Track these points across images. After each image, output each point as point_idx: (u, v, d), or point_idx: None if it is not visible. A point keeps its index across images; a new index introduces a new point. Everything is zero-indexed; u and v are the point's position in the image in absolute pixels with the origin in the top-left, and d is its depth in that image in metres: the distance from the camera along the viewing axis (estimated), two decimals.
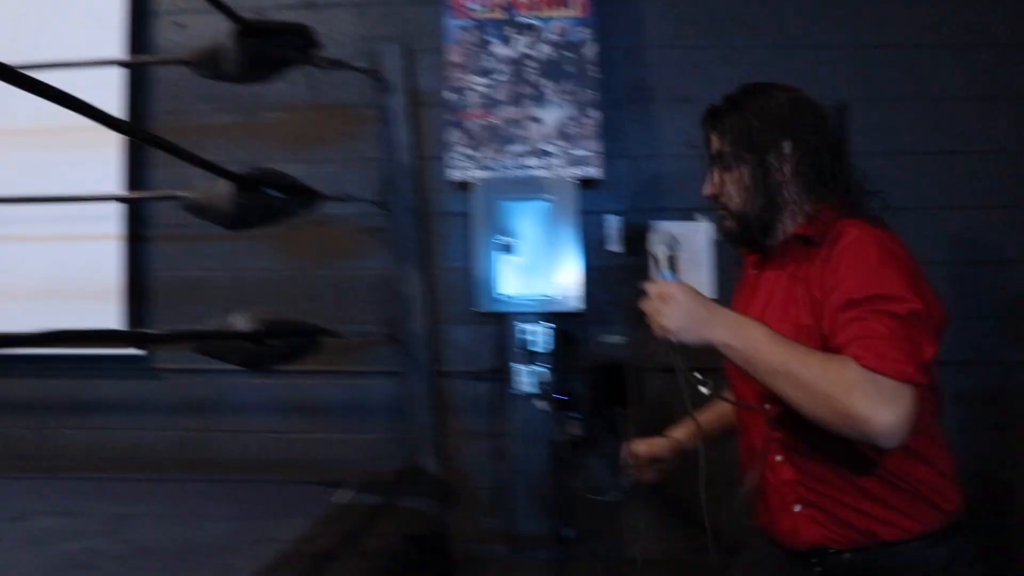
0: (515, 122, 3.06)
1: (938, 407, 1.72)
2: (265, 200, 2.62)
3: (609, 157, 3.10)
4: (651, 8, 3.28)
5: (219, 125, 3.38)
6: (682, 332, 1.58)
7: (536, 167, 3.04)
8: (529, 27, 3.10)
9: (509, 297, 2.95)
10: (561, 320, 2.99)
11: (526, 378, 2.96)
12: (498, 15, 3.10)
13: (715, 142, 1.84)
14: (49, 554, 2.34)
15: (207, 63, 2.69)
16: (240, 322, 2.56)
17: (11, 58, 1.46)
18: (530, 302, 2.94)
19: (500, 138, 3.05)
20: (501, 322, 3.07)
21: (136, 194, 3.36)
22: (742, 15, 3.23)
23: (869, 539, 1.64)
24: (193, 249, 3.39)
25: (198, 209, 2.72)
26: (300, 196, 2.72)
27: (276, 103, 3.33)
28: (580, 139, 3.05)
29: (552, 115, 3.06)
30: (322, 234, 3.26)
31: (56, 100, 1.52)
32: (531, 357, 2.98)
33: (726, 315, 1.60)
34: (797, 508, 1.72)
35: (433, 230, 3.18)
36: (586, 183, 3.07)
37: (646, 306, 1.65)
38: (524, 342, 2.97)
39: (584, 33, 3.09)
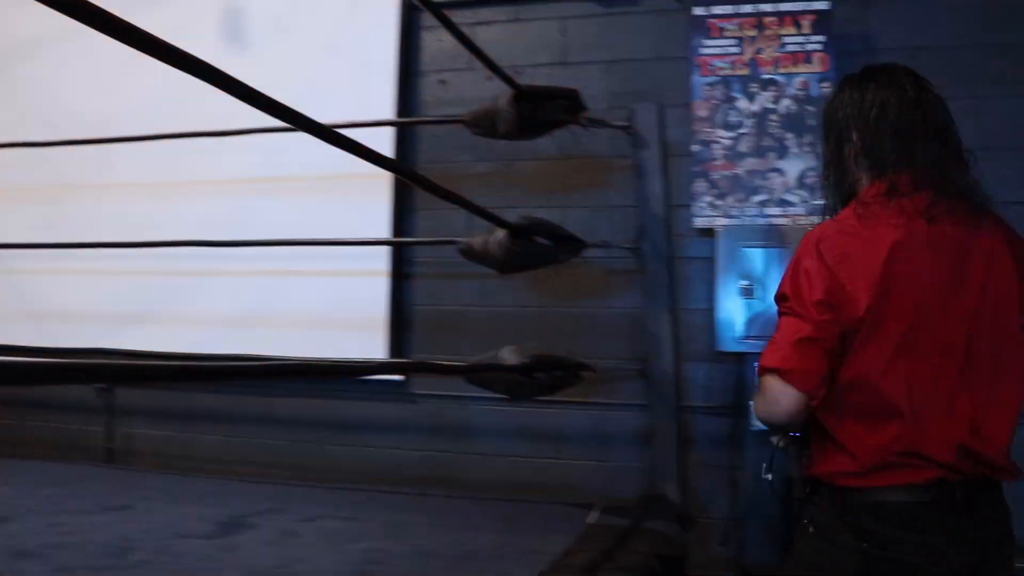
0: (758, 173, 3.28)
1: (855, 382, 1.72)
2: (535, 247, 2.95)
3: None
4: (890, 60, 3.42)
5: (477, 174, 3.76)
6: None
7: (777, 216, 3.25)
8: (772, 83, 3.32)
9: (748, 338, 3.16)
10: None
11: None
12: (742, 72, 3.34)
13: None
14: (343, 551, 2.72)
15: (484, 123, 3.05)
16: (509, 356, 2.86)
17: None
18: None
19: (744, 188, 3.28)
20: (740, 361, 3.27)
21: (413, 239, 3.78)
22: (985, 66, 3.32)
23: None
24: (452, 286, 3.78)
25: (471, 254, 3.07)
26: (565, 244, 3.03)
27: (530, 154, 3.68)
28: (819, 189, 3.23)
29: (793, 166, 3.26)
30: (574, 275, 3.57)
31: (352, 150, 1.83)
32: None
33: None
34: None
35: (679, 273, 3.44)
36: None
37: None
38: None
39: (825, 88, 3.28)
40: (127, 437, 4.24)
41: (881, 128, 1.78)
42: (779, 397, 1.71)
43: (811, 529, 1.80)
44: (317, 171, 3.89)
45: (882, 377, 1.66)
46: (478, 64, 3.78)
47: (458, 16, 3.80)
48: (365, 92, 3.88)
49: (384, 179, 3.82)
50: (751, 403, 3.15)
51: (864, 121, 1.82)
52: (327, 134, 1.69)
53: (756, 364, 1.83)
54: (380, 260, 3.85)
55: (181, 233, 3.94)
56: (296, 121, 1.57)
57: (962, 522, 1.63)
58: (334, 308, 3.90)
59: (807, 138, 3.26)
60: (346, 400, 3.88)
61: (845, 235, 1.70)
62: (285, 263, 3.94)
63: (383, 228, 3.84)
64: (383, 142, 3.78)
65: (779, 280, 1.81)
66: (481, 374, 2.90)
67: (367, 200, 3.87)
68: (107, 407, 4.28)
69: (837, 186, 1.87)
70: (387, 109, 3.85)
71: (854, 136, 1.83)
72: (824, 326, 1.67)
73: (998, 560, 1.67)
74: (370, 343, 3.82)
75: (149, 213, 4.26)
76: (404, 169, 3.11)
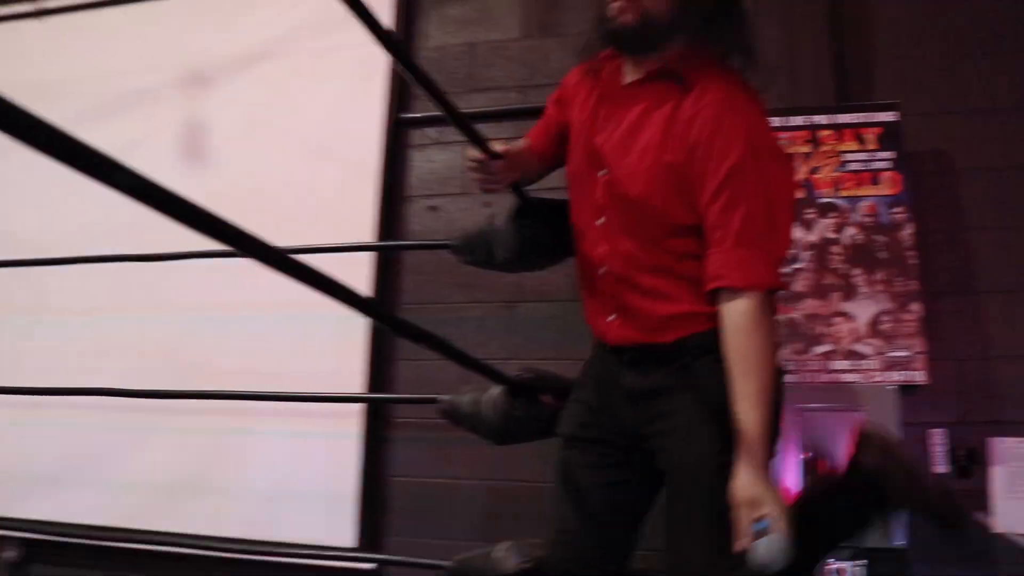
0: (820, 318, 2.75)
1: None
2: (539, 411, 2.40)
3: (933, 359, 2.72)
4: (975, 184, 2.95)
5: (472, 317, 3.25)
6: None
7: (846, 371, 2.70)
8: (833, 208, 2.83)
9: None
10: (881, 557, 2.56)
11: None
12: (797, 195, 2.86)
13: None
14: None
15: (478, 250, 2.54)
16: (506, 559, 2.29)
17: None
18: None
19: (802, 337, 2.74)
20: None
21: (390, 396, 3.27)
22: None
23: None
24: (440, 454, 3.22)
25: (456, 416, 2.52)
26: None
27: (534, 292, 3.18)
28: (899, 337, 2.69)
29: (864, 309, 2.73)
30: None
31: (308, 282, 1.37)
32: None
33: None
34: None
35: None
36: (907, 389, 2.68)
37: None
38: None
39: (898, 213, 2.79)
40: None
41: None
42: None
43: None
44: (283, 309, 3.40)
45: None
46: (472, 187, 3.36)
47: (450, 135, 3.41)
48: (345, 216, 3.43)
49: (360, 320, 3.31)
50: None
51: None
52: (289, 266, 1.24)
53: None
54: (353, 419, 3.29)
55: (119, 374, 3.43)
56: (251, 250, 1.15)
57: None
58: (295, 476, 3.33)
59: (879, 274, 2.74)
60: None
61: None
62: (240, 419, 3.41)
63: (357, 379, 3.30)
64: (362, 275, 3.31)
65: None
66: None
67: (340, 346, 3.35)
68: None
69: None
70: (367, 235, 3.39)
71: None
72: None
73: None
74: (336, 523, 3.23)
75: (84, 347, 3.75)
76: (381, 312, 2.58)
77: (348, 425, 3.28)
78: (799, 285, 2.78)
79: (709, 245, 1.70)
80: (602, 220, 1.87)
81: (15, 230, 3.98)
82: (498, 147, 1.98)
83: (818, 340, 2.73)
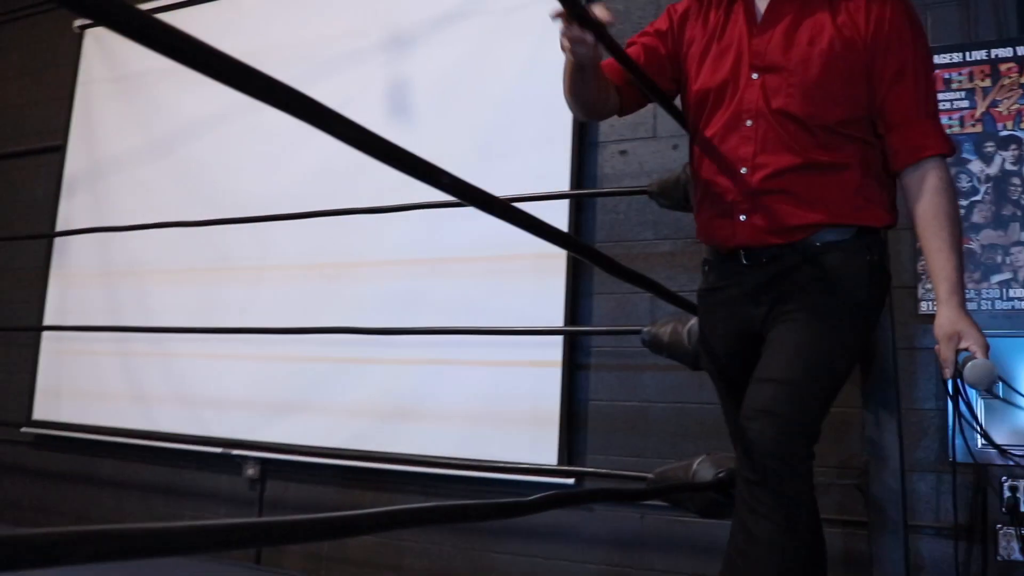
0: (999, 247, 2.90)
1: None
2: None
3: None
4: None
5: (662, 253, 3.53)
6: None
7: None
8: (1013, 141, 2.96)
9: (989, 446, 2.75)
10: None
11: (1017, 543, 2.72)
12: (975, 129, 3.00)
13: None
14: None
15: (672, 195, 2.83)
16: (703, 471, 2.58)
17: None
18: (1018, 453, 2.73)
19: (982, 266, 2.91)
20: (978, 474, 2.86)
21: (591, 328, 3.58)
22: None
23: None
24: (632, 379, 3.53)
25: (657, 344, 2.82)
26: None
27: None
28: None
29: None
30: None
31: (524, 226, 1.65)
32: (1018, 519, 2.74)
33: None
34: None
35: (904, 368, 3.06)
36: None
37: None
38: (1014, 500, 2.74)
39: None
40: None
41: None
42: None
43: None
44: (485, 251, 3.77)
45: None
46: (661, 132, 3.62)
47: None
48: (540, 164, 3.74)
49: (559, 259, 3.64)
50: (997, 527, 2.76)
51: None
52: (498, 207, 1.53)
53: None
54: (554, 349, 3.64)
55: (341, 315, 3.89)
56: (465, 194, 1.43)
57: None
58: (501, 401, 3.72)
59: None
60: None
61: None
62: (449, 351, 3.81)
63: (557, 313, 3.64)
64: (558, 218, 3.61)
65: None
66: (672, 495, 2.64)
67: (540, 282, 3.69)
68: (259, 500, 4.23)
69: None
70: (563, 182, 3.70)
71: None
72: None
73: None
74: (540, 443, 3.60)
75: (307, 295, 4.25)
76: (582, 246, 2.90)
77: (551, 354, 3.63)
78: (977, 216, 2.94)
79: (894, 124, 1.93)
80: (750, 123, 1.98)
81: (238, 189, 4.49)
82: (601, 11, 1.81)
83: (998, 269, 2.89)
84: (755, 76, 1.98)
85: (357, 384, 4.04)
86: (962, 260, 1.87)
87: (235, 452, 4.24)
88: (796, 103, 1.93)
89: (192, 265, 4.61)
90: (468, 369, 3.79)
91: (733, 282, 2.06)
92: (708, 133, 2.06)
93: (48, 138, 5.32)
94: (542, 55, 3.84)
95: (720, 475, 2.56)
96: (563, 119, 3.72)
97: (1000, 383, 2.80)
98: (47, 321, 5.05)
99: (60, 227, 5.12)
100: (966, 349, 1.81)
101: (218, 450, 4.27)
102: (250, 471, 4.24)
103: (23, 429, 4.98)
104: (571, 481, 3.56)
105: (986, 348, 1.80)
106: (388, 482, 3.90)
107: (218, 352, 4.37)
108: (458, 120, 4.02)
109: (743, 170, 1.97)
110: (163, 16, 4.85)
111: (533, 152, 3.78)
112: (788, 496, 1.78)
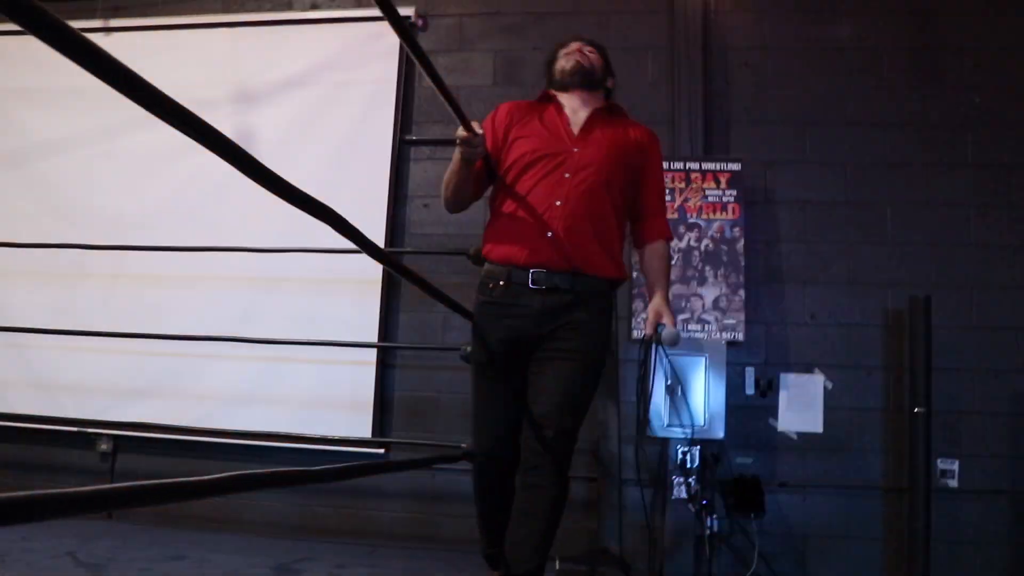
0: (683, 296, 4.57)
1: None
2: None
3: (749, 324, 4.58)
4: (785, 212, 4.79)
5: (453, 283, 4.97)
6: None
7: (697, 331, 4.53)
8: (695, 226, 4.63)
9: (672, 426, 4.39)
10: (707, 445, 4.41)
11: (680, 487, 4.38)
12: (672, 216, 4.64)
13: (591, 52, 3.21)
14: None
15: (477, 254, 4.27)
16: None
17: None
18: (686, 430, 4.37)
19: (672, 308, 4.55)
20: (665, 445, 4.50)
21: (401, 344, 4.96)
22: (854, 218, 4.72)
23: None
24: (426, 376, 4.95)
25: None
26: None
27: None
28: (730, 311, 4.53)
29: (710, 292, 4.56)
30: None
31: (357, 242, 2.94)
32: (685, 472, 4.40)
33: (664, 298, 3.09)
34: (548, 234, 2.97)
35: (621, 374, 4.68)
36: (732, 344, 4.53)
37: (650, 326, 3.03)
38: (681, 460, 4.39)
39: (736, 232, 4.60)
40: None
41: None
42: None
43: None
44: (320, 273, 5.03)
45: None
46: None
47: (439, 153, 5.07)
48: (361, 213, 5.02)
49: (376, 284, 4.99)
50: (672, 478, 4.40)
51: None
52: (337, 220, 2.09)
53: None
54: (370, 352, 5.00)
55: (189, 320, 5.03)
56: (314, 210, 1.91)
57: None
58: (327, 391, 5.01)
59: (721, 271, 4.57)
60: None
61: None
62: (286, 351, 5.03)
63: (373, 323, 4.99)
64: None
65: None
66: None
67: (361, 299, 5.01)
68: (111, 472, 5.25)
69: None
70: (380, 228, 5.04)
71: None
72: None
73: None
74: (358, 424, 4.94)
75: (158, 301, 5.31)
76: (397, 263, 4.28)
77: (368, 356, 4.98)
78: (672, 274, 4.58)
79: (647, 215, 3.17)
80: (560, 200, 2.95)
81: (93, 205, 5.46)
82: (475, 126, 2.82)
83: (681, 310, 4.55)
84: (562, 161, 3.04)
85: (206, 376, 5.17)
86: (668, 284, 3.19)
87: (89, 430, 5.22)
88: (597, 180, 3.03)
89: (47, 268, 5.48)
90: (302, 366, 5.05)
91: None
92: (518, 187, 3.06)
93: None
94: (364, 122, 5.16)
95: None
96: (381, 175, 5.08)
97: (680, 387, 4.41)
98: None
99: None
100: (663, 324, 2.98)
101: (73, 429, 5.23)
102: (103, 446, 5.25)
103: None
104: (382, 451, 4.93)
105: (675, 323, 3.03)
106: (234, 455, 5.06)
107: (75, 345, 5.31)
108: (293, 170, 5.20)
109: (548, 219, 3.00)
110: (26, 40, 5.67)
111: (355, 203, 5.06)
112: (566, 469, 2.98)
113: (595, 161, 2.99)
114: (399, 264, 3.16)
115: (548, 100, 3.19)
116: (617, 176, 3.03)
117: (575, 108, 3.14)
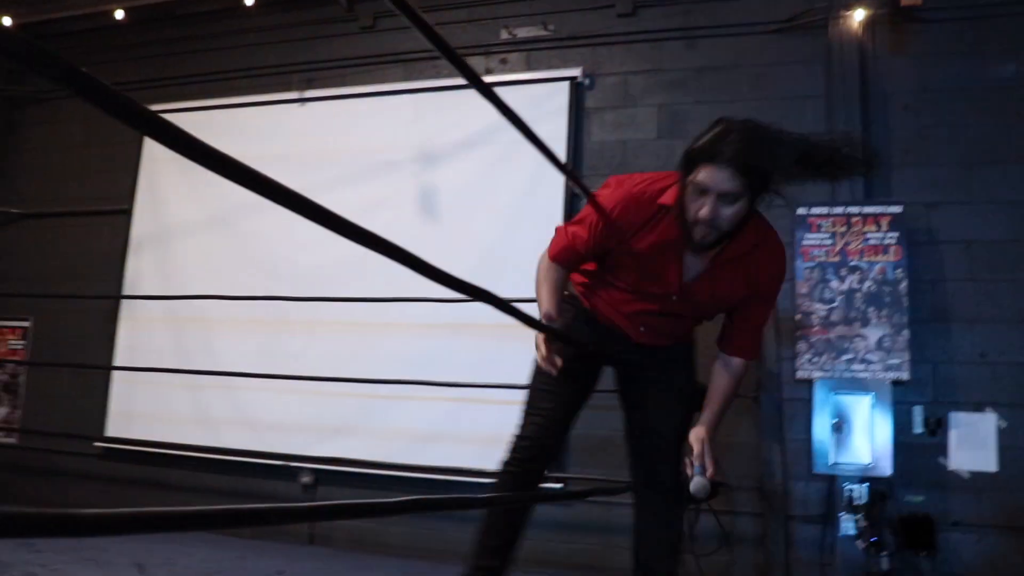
0: (846, 337, 4.76)
1: None
2: None
3: (915, 363, 4.71)
4: (950, 251, 4.92)
5: None
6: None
7: (861, 371, 4.71)
8: (857, 269, 4.83)
9: (838, 464, 4.57)
10: (875, 482, 4.56)
11: (849, 524, 4.55)
12: (835, 259, 4.85)
13: (732, 184, 2.45)
14: None
15: None
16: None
17: None
18: (853, 468, 4.54)
19: (835, 349, 4.76)
20: (832, 482, 4.69)
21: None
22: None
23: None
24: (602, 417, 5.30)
25: None
26: None
27: None
28: (894, 351, 4.69)
29: (873, 333, 4.73)
30: None
31: (521, 319, 3.35)
32: (853, 509, 4.56)
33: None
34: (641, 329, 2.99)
35: (786, 413, 4.90)
36: (897, 383, 4.69)
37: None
38: (849, 497, 4.56)
39: (898, 273, 4.77)
40: (329, 525, 5.77)
41: None
42: None
43: None
44: (494, 320, 5.45)
45: None
46: None
47: None
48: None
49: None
50: (840, 515, 4.58)
51: None
52: (501, 304, 2.13)
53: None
54: None
55: (380, 364, 5.55)
56: (476, 294, 1.90)
57: None
58: (507, 429, 5.40)
59: (885, 311, 4.74)
60: None
61: None
62: (467, 392, 5.47)
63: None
64: None
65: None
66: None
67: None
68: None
69: None
70: None
71: None
72: None
73: None
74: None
75: (352, 347, 5.88)
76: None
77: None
78: (834, 317, 4.79)
79: (742, 326, 2.90)
80: (661, 307, 2.89)
81: (291, 259, 6.11)
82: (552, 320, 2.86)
83: (844, 351, 4.74)
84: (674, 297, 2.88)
85: (395, 415, 5.70)
86: (720, 418, 2.88)
87: (292, 464, 5.83)
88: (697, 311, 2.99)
89: (252, 316, 6.16)
90: (483, 406, 5.48)
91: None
92: (624, 278, 2.93)
93: (114, 203, 6.81)
94: (537, 179, 5.58)
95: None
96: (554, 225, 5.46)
97: (846, 425, 4.59)
98: (118, 355, 6.54)
99: (128, 279, 6.63)
100: (699, 466, 2.69)
101: (278, 462, 5.85)
102: (305, 478, 5.84)
103: (96, 444, 6.45)
104: (560, 485, 5.30)
105: (714, 466, 2.72)
106: (421, 488, 5.53)
107: (279, 387, 5.92)
108: (471, 223, 5.72)
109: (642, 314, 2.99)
110: (234, 113, 6.48)
111: (526, 256, 5.47)
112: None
113: (691, 309, 2.92)
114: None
115: (666, 211, 2.68)
116: (712, 313, 3.00)
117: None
